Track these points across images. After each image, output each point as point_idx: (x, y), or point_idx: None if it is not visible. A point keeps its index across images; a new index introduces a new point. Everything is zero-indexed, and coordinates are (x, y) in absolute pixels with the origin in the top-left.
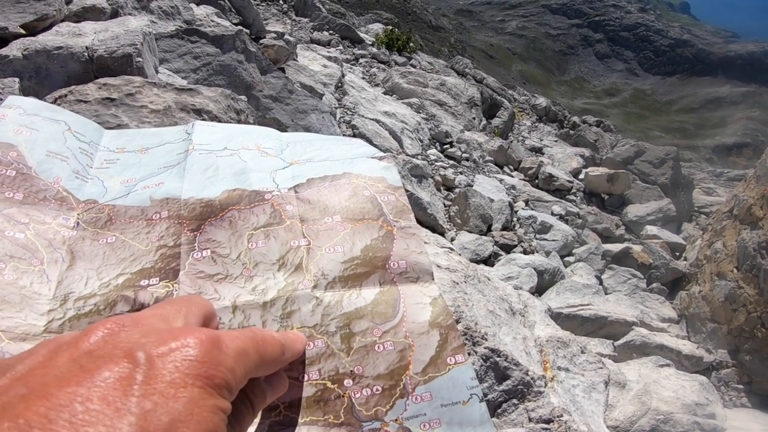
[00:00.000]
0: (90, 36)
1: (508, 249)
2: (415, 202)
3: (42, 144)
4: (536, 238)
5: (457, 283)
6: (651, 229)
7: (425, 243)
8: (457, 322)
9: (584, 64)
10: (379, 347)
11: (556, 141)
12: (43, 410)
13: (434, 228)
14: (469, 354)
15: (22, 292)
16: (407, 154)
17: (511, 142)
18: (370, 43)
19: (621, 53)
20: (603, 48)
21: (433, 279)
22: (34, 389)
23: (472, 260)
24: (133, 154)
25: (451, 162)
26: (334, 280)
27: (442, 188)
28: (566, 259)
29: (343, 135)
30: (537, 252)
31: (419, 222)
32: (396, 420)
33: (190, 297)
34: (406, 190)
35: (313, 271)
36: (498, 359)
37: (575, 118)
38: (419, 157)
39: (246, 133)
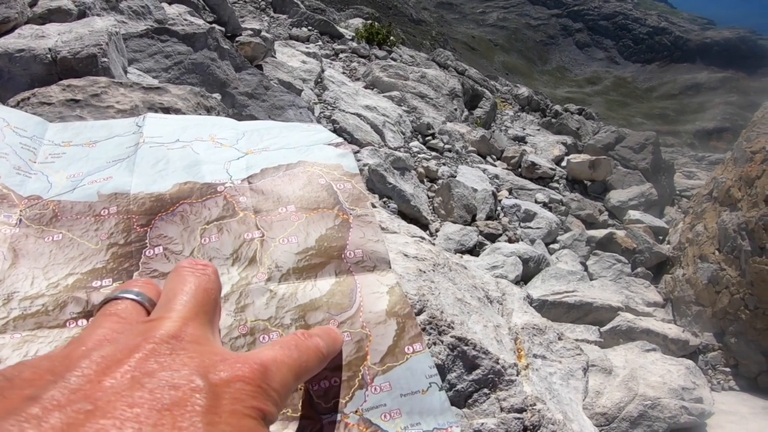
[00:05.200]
0: (53, 38)
1: (492, 238)
2: (399, 195)
3: None
4: (520, 227)
5: (424, 272)
6: (634, 214)
7: (395, 232)
8: (422, 311)
9: (565, 54)
10: None
11: (538, 130)
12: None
13: (418, 220)
14: (434, 343)
15: None
16: (389, 147)
17: (494, 131)
18: (350, 37)
19: (601, 42)
20: (583, 37)
21: (390, 267)
22: (99, 407)
23: (458, 251)
24: (80, 148)
25: (434, 153)
26: (288, 271)
27: (425, 180)
28: (551, 246)
29: None
30: (521, 240)
31: (403, 214)
32: (356, 411)
33: (201, 295)
34: (389, 183)
35: (267, 263)
36: (466, 348)
37: (557, 107)
38: (402, 149)
39: (200, 125)
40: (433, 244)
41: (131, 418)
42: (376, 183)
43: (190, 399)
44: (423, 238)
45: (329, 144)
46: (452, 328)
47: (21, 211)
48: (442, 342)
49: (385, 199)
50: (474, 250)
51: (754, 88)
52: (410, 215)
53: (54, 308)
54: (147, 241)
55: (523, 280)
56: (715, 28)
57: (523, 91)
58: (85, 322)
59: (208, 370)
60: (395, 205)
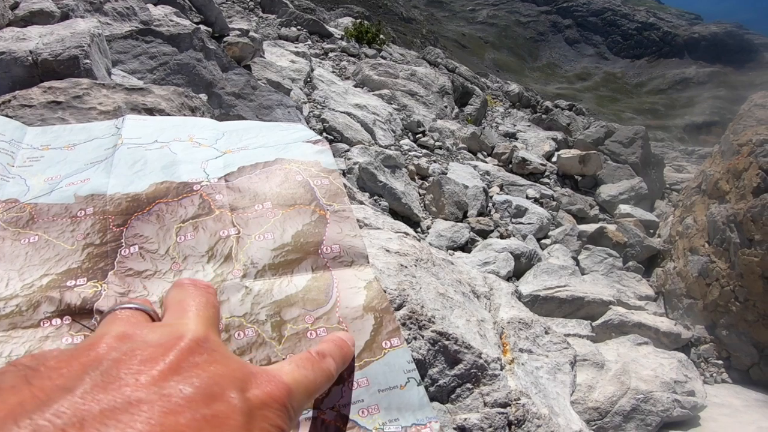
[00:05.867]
0: (34, 40)
1: (484, 234)
2: (389, 193)
3: None
4: (512, 222)
5: (405, 267)
6: (624, 208)
7: (378, 228)
8: (402, 305)
9: (555, 50)
10: (311, 334)
11: (529, 126)
12: None
13: (409, 217)
14: (414, 338)
15: None
16: (380, 145)
17: (484, 128)
18: (340, 36)
19: (590, 38)
20: (572, 33)
21: (368, 262)
22: (140, 410)
23: (449, 247)
24: (58, 151)
25: (425, 151)
26: (263, 268)
27: (416, 177)
28: (542, 241)
29: (313, 129)
30: (513, 236)
31: (394, 212)
32: (333, 408)
33: (211, 309)
34: (380, 181)
35: (243, 260)
36: (447, 342)
37: (548, 103)
38: (392, 147)
39: (178, 125)
40: (418, 240)
41: (173, 426)
42: (366, 181)
43: (228, 414)
44: (407, 234)
45: (307, 141)
46: (433, 322)
47: None
48: (422, 337)
49: (376, 197)
50: (466, 247)
51: (742, 81)
52: (401, 213)
53: (28, 308)
54: (123, 240)
55: (515, 275)
56: (703, 23)
57: (514, 87)
58: (59, 321)
59: (242, 385)
60: (386, 203)
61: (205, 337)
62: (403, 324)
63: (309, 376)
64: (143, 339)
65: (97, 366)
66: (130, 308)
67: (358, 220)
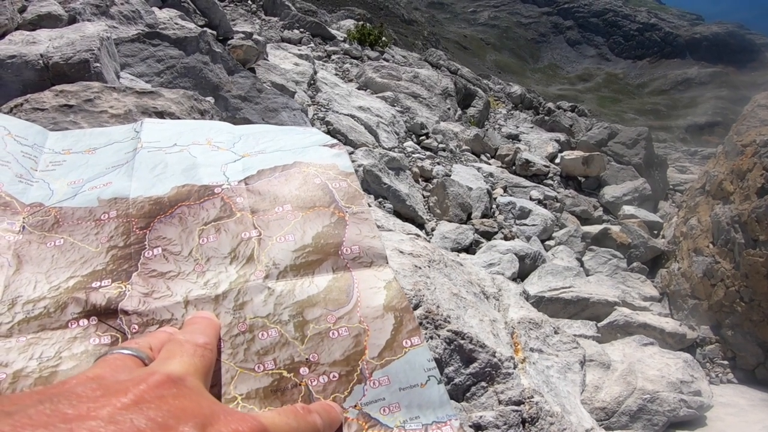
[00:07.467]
0: (45, 43)
1: (488, 236)
2: (394, 195)
3: None
4: (516, 224)
5: (419, 268)
6: (628, 209)
7: (390, 230)
8: (418, 305)
9: (556, 51)
10: (333, 333)
11: (532, 127)
12: None
13: (414, 219)
14: (431, 337)
15: None
16: (384, 148)
17: (487, 130)
18: (342, 39)
19: (591, 39)
20: (574, 35)
21: (387, 262)
22: None
23: (454, 249)
24: (80, 155)
25: (428, 153)
26: (285, 269)
27: (420, 179)
28: (546, 243)
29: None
30: (517, 237)
31: (398, 214)
32: (355, 406)
33: (198, 359)
34: (384, 183)
35: (265, 261)
36: (462, 342)
37: (550, 105)
38: (396, 149)
39: (196, 129)
40: (428, 242)
41: None
42: (371, 183)
43: None
44: (418, 236)
45: (324, 145)
46: (448, 322)
47: (24, 218)
48: (438, 336)
49: (380, 200)
50: (470, 249)
51: (744, 82)
52: (406, 215)
53: (55, 310)
54: (146, 242)
55: (520, 276)
56: (704, 24)
57: (516, 89)
58: (85, 321)
59: (205, 421)
60: (391, 206)
61: (179, 377)
62: (420, 323)
63: (291, 423)
64: (115, 379)
65: (54, 397)
66: (124, 353)
67: None
